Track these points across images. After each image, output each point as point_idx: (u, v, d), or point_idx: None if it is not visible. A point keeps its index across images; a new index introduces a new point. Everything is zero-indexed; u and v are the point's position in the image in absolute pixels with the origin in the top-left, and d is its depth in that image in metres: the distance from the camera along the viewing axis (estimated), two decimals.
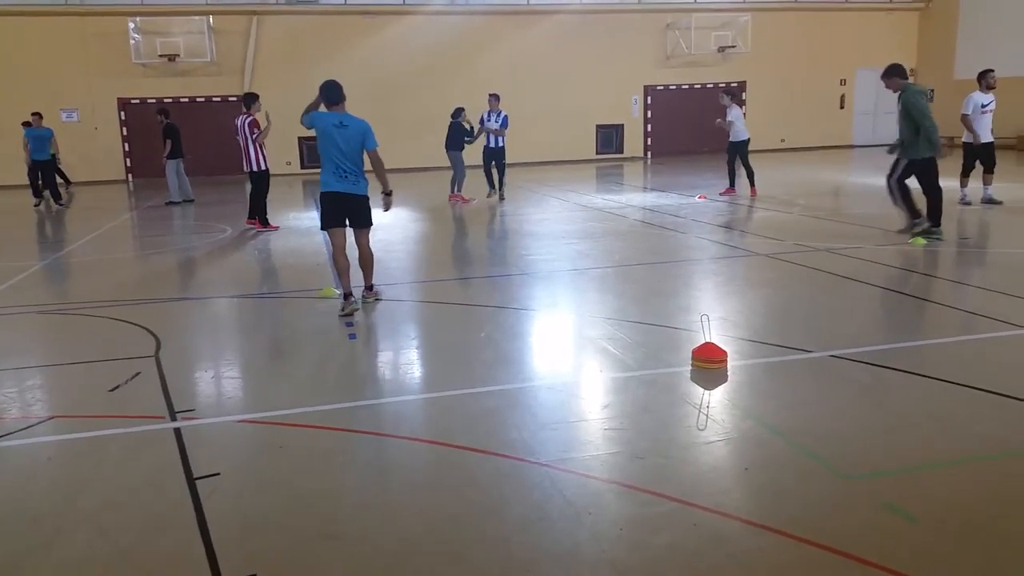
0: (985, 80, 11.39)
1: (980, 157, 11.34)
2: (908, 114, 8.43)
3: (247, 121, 11.30)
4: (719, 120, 13.67)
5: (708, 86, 24.04)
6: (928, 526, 3.00)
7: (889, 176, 8.83)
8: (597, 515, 3.14)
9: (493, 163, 14.36)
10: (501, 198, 14.24)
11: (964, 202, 11.16)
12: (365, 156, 6.51)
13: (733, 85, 22.36)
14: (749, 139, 13.62)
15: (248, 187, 11.94)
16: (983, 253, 8.22)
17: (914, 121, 8.37)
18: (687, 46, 23.62)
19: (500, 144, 14.22)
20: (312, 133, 6.52)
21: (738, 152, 13.50)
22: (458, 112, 14.50)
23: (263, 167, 11.46)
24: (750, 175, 13.50)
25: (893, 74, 8.74)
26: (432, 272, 8.79)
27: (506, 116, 14.27)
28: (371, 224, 6.69)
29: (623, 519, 3.13)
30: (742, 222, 11.01)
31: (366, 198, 6.56)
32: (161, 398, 4.61)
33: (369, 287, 6.91)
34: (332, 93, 6.43)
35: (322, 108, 6.54)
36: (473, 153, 14.68)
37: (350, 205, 6.47)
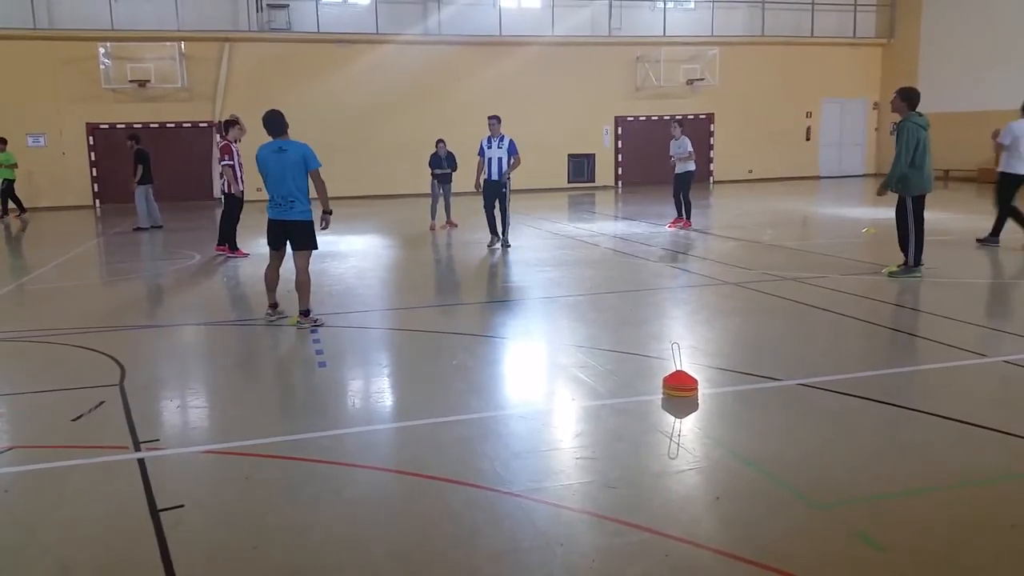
0: None
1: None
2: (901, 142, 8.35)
3: (220, 146, 11.22)
4: (673, 157, 13.51)
5: (677, 118, 24.39)
6: (897, 555, 3.02)
7: (897, 220, 8.65)
8: (569, 546, 3.12)
9: (496, 202, 11.60)
10: (505, 244, 11.56)
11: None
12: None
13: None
14: (694, 171, 13.68)
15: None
16: (949, 283, 8.37)
17: (911, 152, 8.30)
18: (656, 78, 24.00)
19: (500, 177, 11.48)
20: None
21: (686, 183, 13.45)
22: (437, 142, 14.62)
23: (229, 191, 11.33)
24: (687, 207, 13.47)
25: (902, 98, 8.57)
26: (403, 299, 8.75)
27: (512, 141, 11.56)
28: (309, 248, 6.91)
29: (595, 550, 3.11)
30: (711, 251, 11.13)
31: (304, 223, 6.82)
32: (125, 428, 4.51)
33: (304, 312, 6.92)
34: (272, 125, 6.74)
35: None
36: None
37: (287, 229, 6.86)
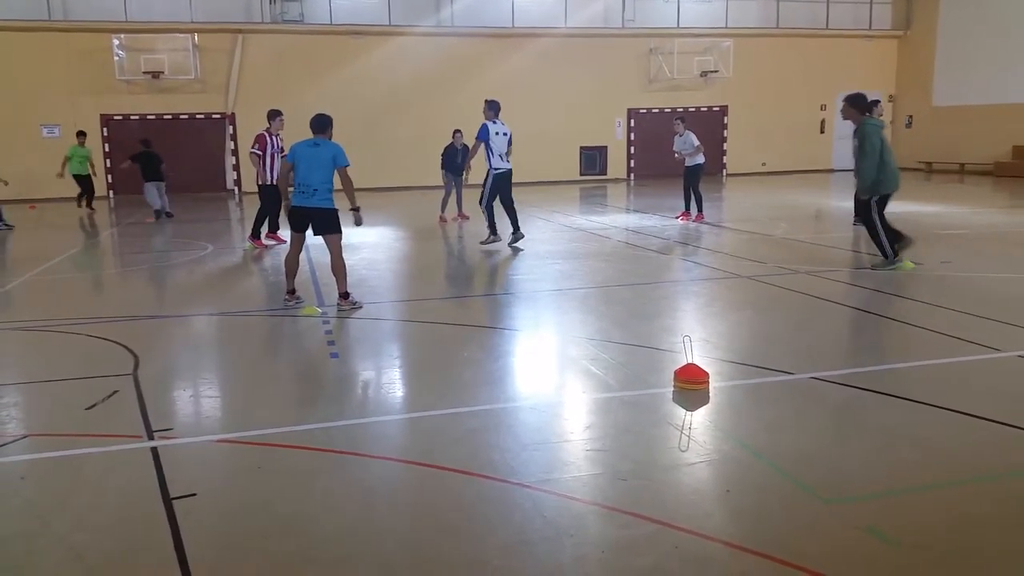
0: None
1: None
2: (865, 146, 8.29)
3: (256, 135, 11.35)
4: (678, 154, 13.52)
5: (690, 110, 24.30)
6: (908, 550, 3.00)
7: (865, 221, 8.64)
8: (579, 537, 3.12)
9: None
10: (507, 241, 10.93)
11: None
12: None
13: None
14: (703, 164, 13.63)
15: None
16: (962, 277, 8.31)
17: (877, 153, 8.22)
18: (670, 70, 23.90)
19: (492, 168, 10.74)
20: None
21: (696, 176, 13.42)
22: (454, 132, 14.68)
23: (260, 181, 11.39)
24: (699, 200, 13.44)
25: (852, 104, 8.53)
26: (415, 291, 8.77)
27: (482, 126, 10.70)
28: (336, 232, 7.26)
29: (605, 541, 3.11)
30: (723, 244, 11.09)
31: (325, 210, 7.19)
32: (139, 417, 4.55)
33: (343, 295, 7.27)
34: (317, 123, 7.28)
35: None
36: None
37: (311, 216, 7.21)
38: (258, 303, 8.09)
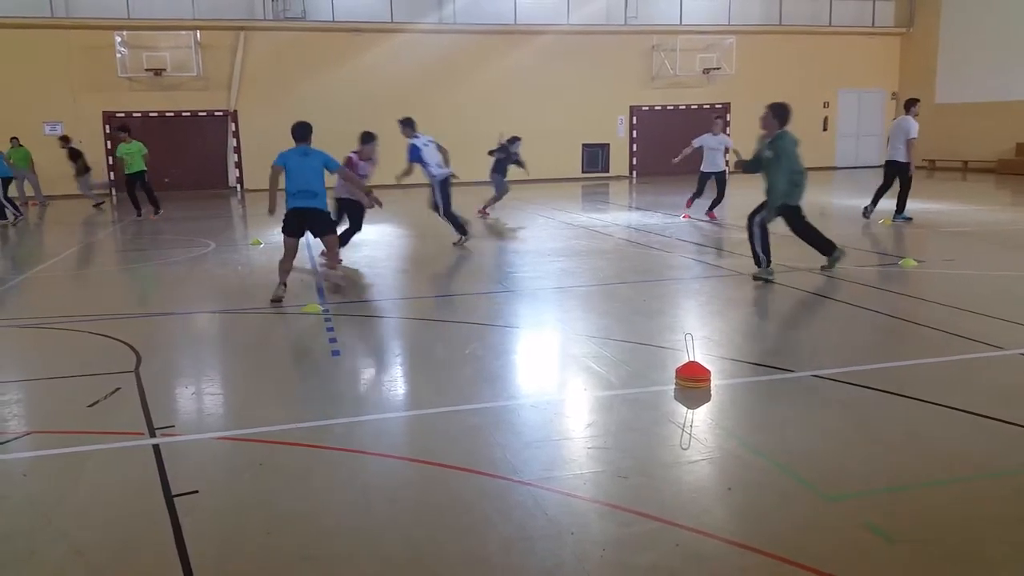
0: None
1: None
2: (781, 160, 8.19)
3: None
4: (682, 154, 13.73)
5: (693, 107, 24.27)
6: (909, 547, 3.00)
7: (752, 215, 8.45)
8: (580, 535, 3.13)
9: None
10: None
11: None
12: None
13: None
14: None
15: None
16: (965, 275, 8.29)
17: (784, 168, 8.15)
18: (672, 67, 23.86)
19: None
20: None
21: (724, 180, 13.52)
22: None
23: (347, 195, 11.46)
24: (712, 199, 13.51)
25: (775, 114, 8.34)
26: (417, 288, 8.77)
27: (410, 147, 11.11)
28: (334, 231, 8.03)
29: (606, 539, 3.12)
30: (725, 242, 11.08)
31: (323, 211, 7.71)
32: (140, 414, 4.55)
33: (332, 265, 8.09)
34: (300, 132, 7.66)
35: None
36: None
37: (307, 217, 7.60)
38: (260, 301, 8.08)
